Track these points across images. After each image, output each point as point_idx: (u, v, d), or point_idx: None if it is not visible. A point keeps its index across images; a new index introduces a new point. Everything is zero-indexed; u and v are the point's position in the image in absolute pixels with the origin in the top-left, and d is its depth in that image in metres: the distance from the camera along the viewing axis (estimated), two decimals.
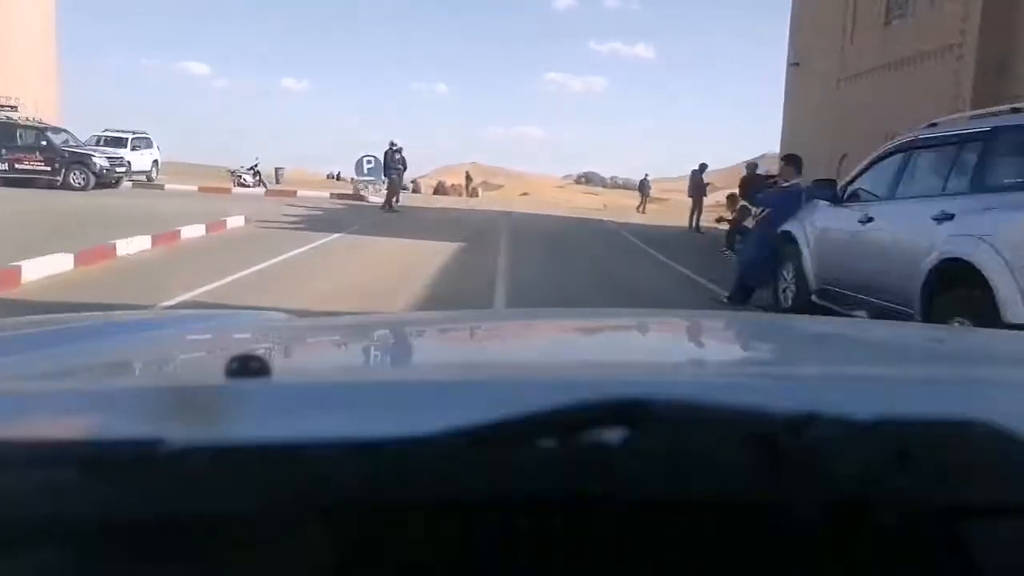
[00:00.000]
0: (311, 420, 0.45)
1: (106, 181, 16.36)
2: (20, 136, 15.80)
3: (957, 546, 0.30)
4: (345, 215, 14.41)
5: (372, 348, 1.01)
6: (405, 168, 17.18)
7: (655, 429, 0.31)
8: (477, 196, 32.55)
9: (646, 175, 25.95)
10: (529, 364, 0.80)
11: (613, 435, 0.31)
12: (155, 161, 20.91)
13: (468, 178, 33.49)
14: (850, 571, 0.29)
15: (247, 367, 0.54)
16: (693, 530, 0.30)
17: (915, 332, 1.26)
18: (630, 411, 0.31)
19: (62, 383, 0.69)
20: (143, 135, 20.72)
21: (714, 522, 0.30)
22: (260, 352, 0.58)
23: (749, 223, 9.33)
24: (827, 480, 0.29)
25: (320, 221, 13.30)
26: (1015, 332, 1.25)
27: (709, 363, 0.87)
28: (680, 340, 1.11)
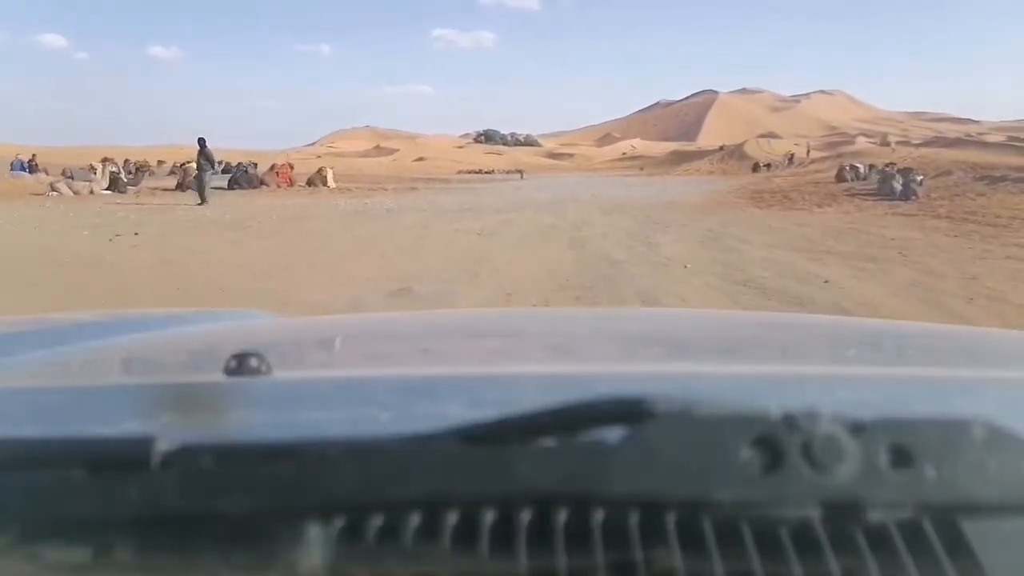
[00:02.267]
0: (310, 419, 0.45)
1: None
2: None
3: (957, 546, 0.30)
4: None
5: (371, 347, 0.99)
6: None
7: (655, 429, 0.30)
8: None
9: None
10: (529, 363, 0.80)
11: (613, 435, 0.30)
12: None
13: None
14: (850, 571, 0.29)
15: (246, 366, 0.54)
16: (693, 529, 0.30)
17: (915, 332, 1.26)
18: (630, 411, 0.31)
19: (62, 383, 0.69)
20: None
21: (714, 522, 0.30)
22: (259, 351, 0.57)
23: None
24: (827, 480, 0.29)
25: None
26: (1015, 332, 1.27)
27: (709, 363, 0.86)
28: (680, 339, 1.08)
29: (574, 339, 1.04)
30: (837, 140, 65.62)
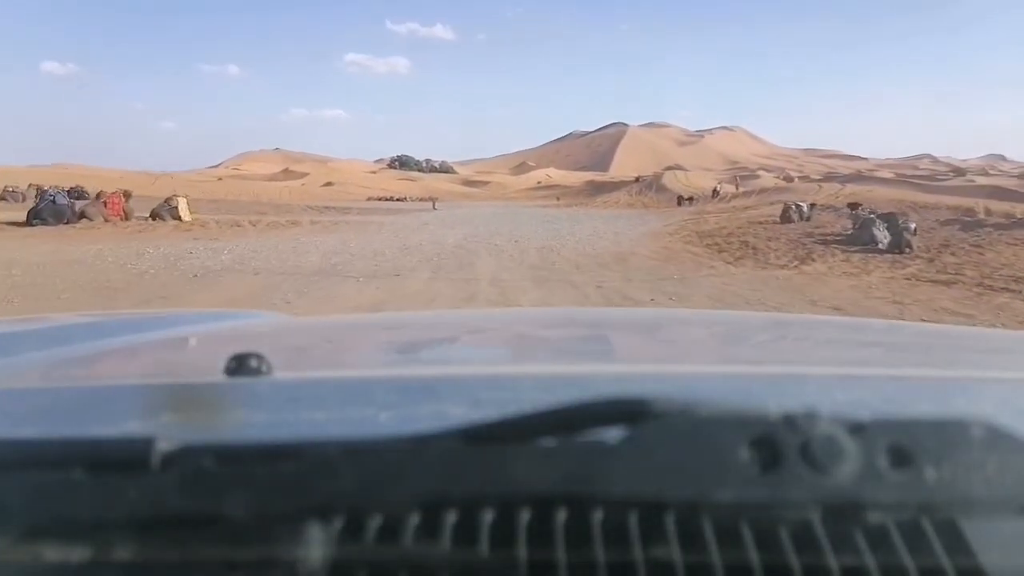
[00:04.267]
0: (310, 419, 0.45)
1: None
2: None
3: (956, 546, 0.31)
4: None
5: (371, 347, 0.98)
6: None
7: (654, 429, 0.31)
8: None
9: None
10: (529, 363, 0.79)
11: (613, 435, 0.31)
12: None
13: None
14: (849, 571, 0.30)
15: (246, 366, 0.54)
16: (693, 529, 0.30)
17: (915, 332, 1.31)
18: (630, 411, 0.31)
19: (62, 383, 0.69)
20: None
21: (714, 522, 0.30)
22: (259, 351, 0.57)
23: None
24: (826, 480, 0.30)
25: None
26: (1015, 332, 1.29)
27: (709, 363, 0.86)
28: (680, 340, 1.08)
29: (574, 339, 1.04)
30: (743, 175, 65.78)
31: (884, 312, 6.88)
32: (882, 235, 12.01)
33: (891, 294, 7.71)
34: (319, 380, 0.63)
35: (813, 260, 10.57)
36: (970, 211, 17.16)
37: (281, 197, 45.75)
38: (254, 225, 17.13)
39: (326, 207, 31.47)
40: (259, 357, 0.56)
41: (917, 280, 8.62)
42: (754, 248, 12.30)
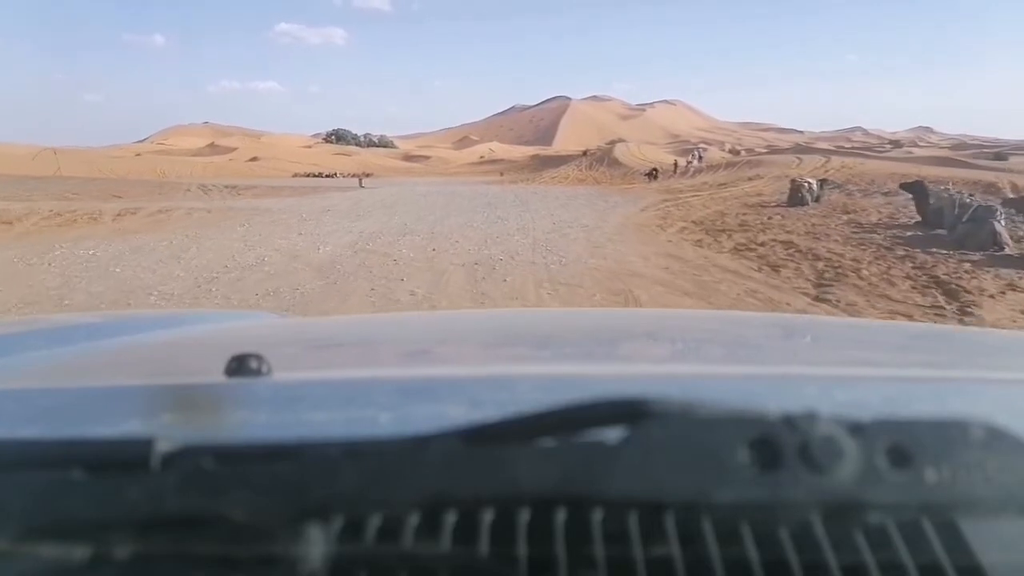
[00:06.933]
0: (310, 419, 0.45)
1: None
2: None
3: (956, 546, 0.31)
4: None
5: (371, 347, 0.96)
6: None
7: (655, 429, 0.31)
8: None
9: None
10: (529, 363, 0.78)
11: (613, 435, 0.31)
12: None
13: None
14: (849, 571, 0.30)
15: (246, 366, 0.54)
16: (693, 529, 0.30)
17: (914, 332, 1.24)
18: (630, 411, 0.31)
19: (62, 383, 0.68)
20: None
21: (713, 522, 0.30)
22: (259, 352, 0.57)
23: None
24: (826, 480, 0.30)
25: None
26: (1015, 332, 1.24)
27: (709, 363, 0.85)
28: (680, 340, 1.06)
29: (574, 339, 1.01)
30: (702, 148, 61.95)
31: None
32: (1006, 234, 7.66)
33: None
34: (319, 381, 0.62)
35: (970, 295, 5.75)
36: (992, 186, 13.02)
37: (193, 174, 39.28)
38: (49, 219, 11.90)
39: (226, 186, 25.40)
40: (259, 358, 0.55)
41: None
42: (816, 256, 7.77)
